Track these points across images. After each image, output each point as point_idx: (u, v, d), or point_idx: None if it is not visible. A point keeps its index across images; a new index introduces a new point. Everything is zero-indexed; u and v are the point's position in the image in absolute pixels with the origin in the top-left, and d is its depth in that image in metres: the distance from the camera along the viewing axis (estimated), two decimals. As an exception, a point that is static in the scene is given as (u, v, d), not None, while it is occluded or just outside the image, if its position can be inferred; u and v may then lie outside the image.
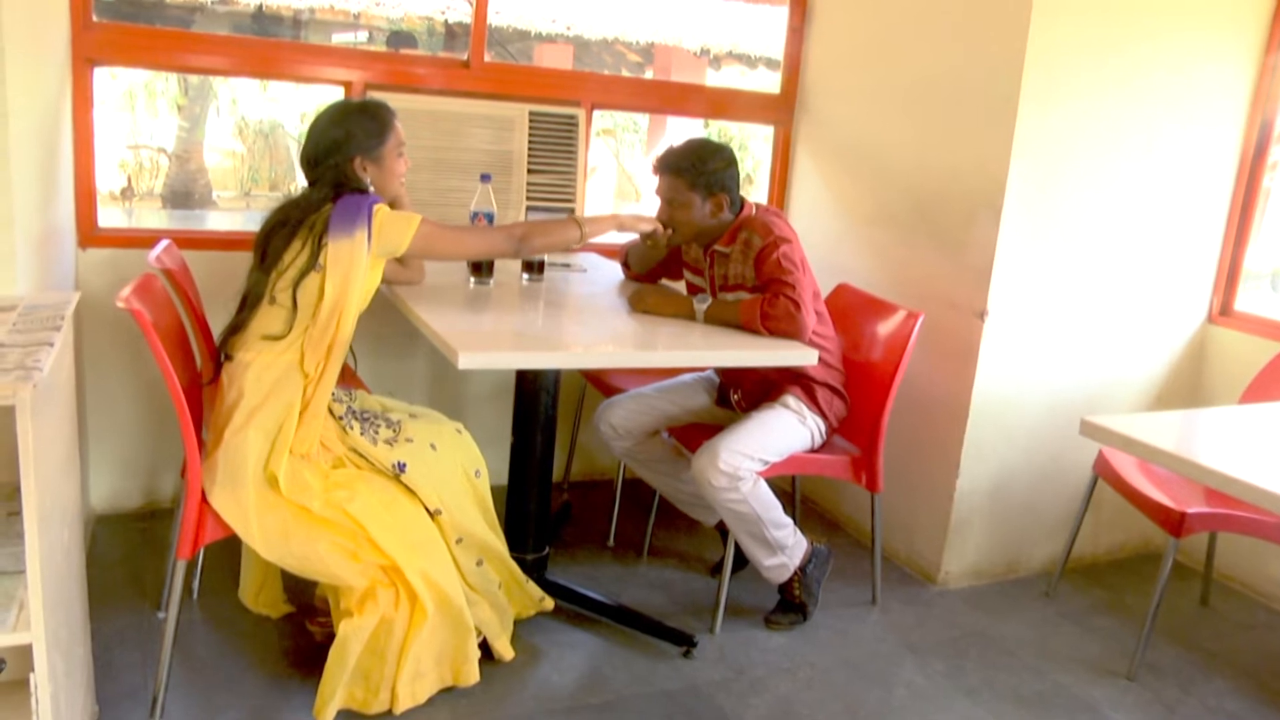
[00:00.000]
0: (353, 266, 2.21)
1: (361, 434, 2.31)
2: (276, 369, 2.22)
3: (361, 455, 2.30)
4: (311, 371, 2.23)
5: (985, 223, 2.96)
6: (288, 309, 2.22)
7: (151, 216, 9.89)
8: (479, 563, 2.43)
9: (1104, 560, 3.48)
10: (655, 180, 2.75)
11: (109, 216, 8.01)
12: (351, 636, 2.17)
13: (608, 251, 3.48)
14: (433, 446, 2.38)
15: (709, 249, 2.76)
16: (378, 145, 2.37)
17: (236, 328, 2.27)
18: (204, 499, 2.16)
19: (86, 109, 2.90)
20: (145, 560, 2.90)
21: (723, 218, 2.72)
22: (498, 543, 2.48)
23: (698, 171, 2.66)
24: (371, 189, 2.37)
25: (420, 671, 2.26)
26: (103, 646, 2.39)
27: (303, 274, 2.21)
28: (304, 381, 2.23)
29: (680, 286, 2.99)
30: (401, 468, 2.28)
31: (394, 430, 2.36)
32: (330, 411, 2.31)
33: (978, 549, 3.22)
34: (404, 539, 2.21)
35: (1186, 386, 3.41)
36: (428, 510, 2.30)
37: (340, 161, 2.32)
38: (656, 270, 3.03)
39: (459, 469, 2.42)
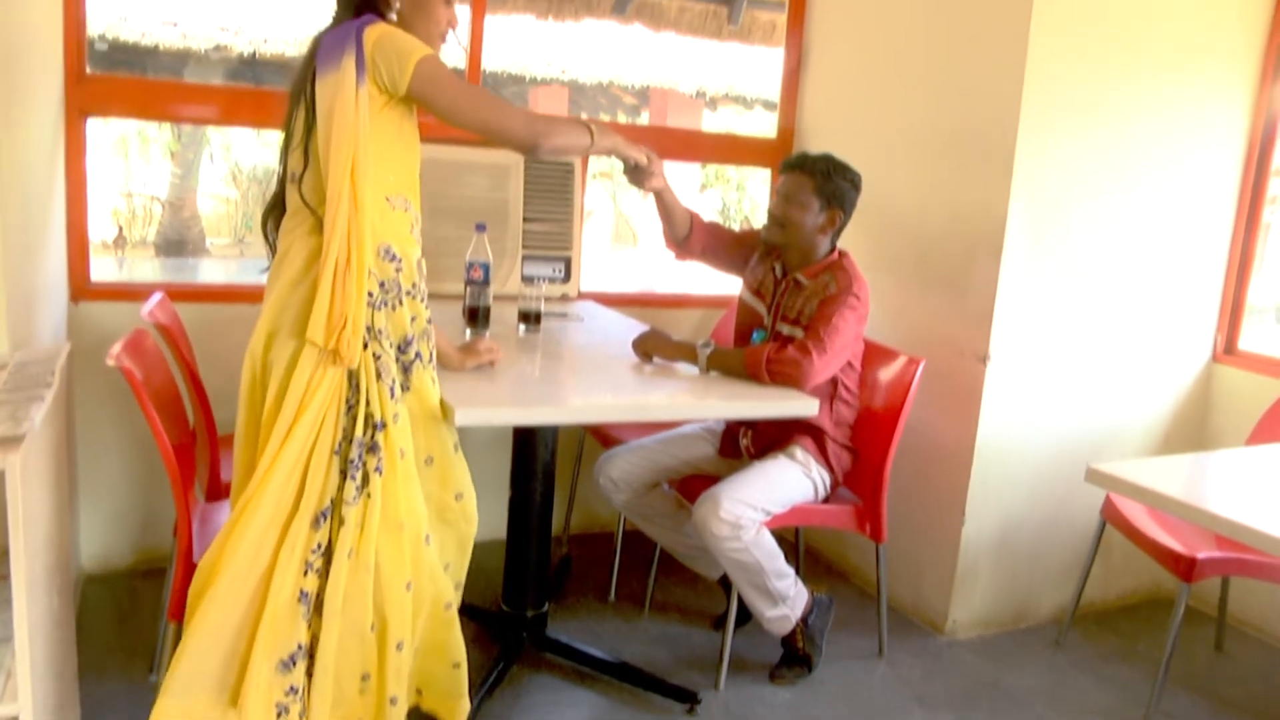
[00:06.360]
0: (337, 100, 1.81)
1: (340, 470, 1.92)
2: (301, 256, 1.90)
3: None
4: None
5: (985, 265, 2.95)
6: (300, 175, 1.89)
7: (144, 264, 9.90)
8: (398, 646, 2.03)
9: (1115, 607, 3.43)
10: (779, 179, 2.75)
11: (101, 265, 8.01)
12: None
13: (606, 300, 3.46)
14: (401, 527, 1.99)
15: (788, 275, 2.75)
16: None
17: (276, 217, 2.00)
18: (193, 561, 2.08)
19: (80, 161, 2.88)
20: (136, 620, 2.83)
21: (823, 242, 2.73)
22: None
23: (826, 177, 2.67)
24: (394, 19, 1.95)
25: None
26: (92, 711, 2.32)
27: (307, 135, 1.87)
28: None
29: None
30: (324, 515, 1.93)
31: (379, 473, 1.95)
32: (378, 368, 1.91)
33: (985, 597, 3.17)
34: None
35: (1193, 427, 3.38)
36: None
37: None
38: (705, 241, 2.88)
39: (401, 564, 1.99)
